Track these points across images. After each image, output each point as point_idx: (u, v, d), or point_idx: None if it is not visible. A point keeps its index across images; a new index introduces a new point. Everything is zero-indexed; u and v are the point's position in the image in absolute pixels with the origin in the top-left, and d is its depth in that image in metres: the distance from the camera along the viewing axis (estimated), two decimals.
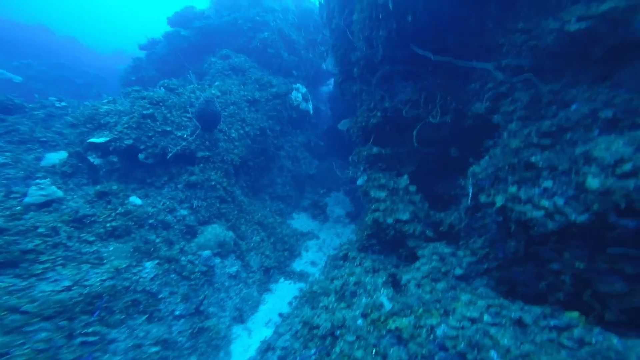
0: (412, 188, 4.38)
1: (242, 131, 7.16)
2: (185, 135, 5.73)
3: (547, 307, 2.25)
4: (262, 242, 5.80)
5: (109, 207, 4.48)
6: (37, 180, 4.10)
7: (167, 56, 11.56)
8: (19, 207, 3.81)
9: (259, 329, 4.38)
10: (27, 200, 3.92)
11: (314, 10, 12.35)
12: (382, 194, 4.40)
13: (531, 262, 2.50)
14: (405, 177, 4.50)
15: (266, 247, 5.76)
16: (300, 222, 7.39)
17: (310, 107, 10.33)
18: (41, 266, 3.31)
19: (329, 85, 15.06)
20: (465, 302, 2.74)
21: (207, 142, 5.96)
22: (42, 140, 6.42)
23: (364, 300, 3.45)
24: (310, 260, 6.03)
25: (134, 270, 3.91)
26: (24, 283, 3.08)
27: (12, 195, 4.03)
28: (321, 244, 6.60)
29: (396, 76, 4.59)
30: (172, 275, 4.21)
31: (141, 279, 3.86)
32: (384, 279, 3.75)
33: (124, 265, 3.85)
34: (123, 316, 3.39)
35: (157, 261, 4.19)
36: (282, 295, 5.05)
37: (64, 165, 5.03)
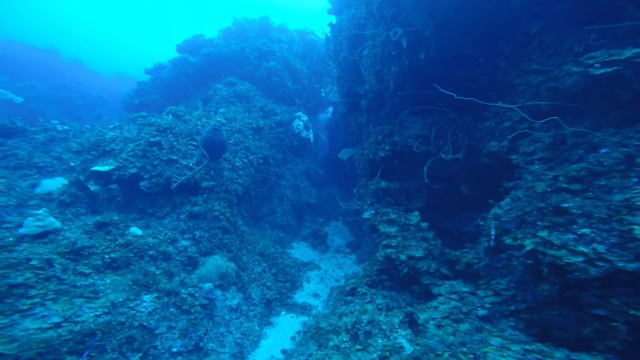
0: (424, 225, 4.32)
1: (245, 160, 7.12)
2: (191, 164, 5.61)
3: (599, 356, 2.10)
4: (263, 273, 5.54)
5: (108, 237, 4.27)
6: (35, 212, 3.90)
7: (172, 81, 11.75)
8: (11, 239, 3.59)
9: None
10: (21, 230, 3.71)
11: (318, 42, 12.90)
12: (393, 230, 4.30)
13: (568, 306, 2.37)
14: (416, 213, 4.45)
15: (267, 279, 5.49)
16: (301, 251, 7.16)
17: (311, 135, 10.46)
18: (29, 301, 3.03)
19: (327, 113, 15.42)
20: (497, 346, 2.55)
21: (212, 172, 5.86)
22: (40, 165, 6.29)
23: (380, 341, 3.22)
24: (312, 292, 5.75)
25: (131, 304, 3.62)
26: (5, 320, 2.80)
27: (4, 225, 3.82)
28: (323, 275, 6.35)
29: (406, 110, 4.66)
30: (172, 309, 3.93)
31: (138, 314, 3.57)
32: (400, 319, 3.53)
33: (120, 299, 3.57)
34: (115, 355, 3.08)
35: (156, 294, 3.92)
36: (284, 329, 4.73)
37: (63, 194, 4.84)
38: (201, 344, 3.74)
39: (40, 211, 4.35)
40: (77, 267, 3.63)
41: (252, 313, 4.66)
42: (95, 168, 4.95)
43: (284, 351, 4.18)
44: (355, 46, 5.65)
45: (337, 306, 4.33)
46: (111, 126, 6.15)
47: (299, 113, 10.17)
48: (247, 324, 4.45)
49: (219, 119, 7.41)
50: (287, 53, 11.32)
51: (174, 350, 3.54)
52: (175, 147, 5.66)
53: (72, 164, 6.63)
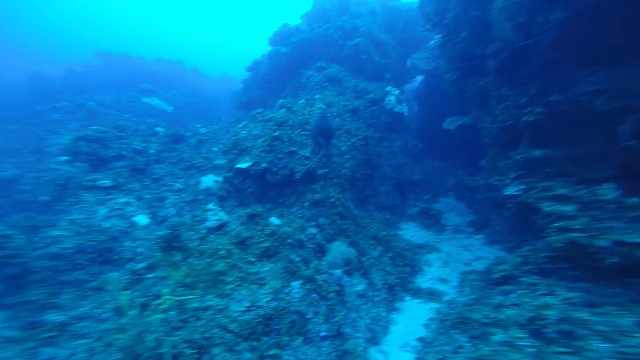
0: (633, 200, 3.25)
1: (349, 143, 6.97)
2: (307, 154, 5.80)
3: None
4: (380, 257, 5.51)
5: (257, 228, 4.85)
6: (209, 206, 4.68)
7: (269, 75, 12.03)
8: (203, 231, 4.43)
9: (395, 352, 4.05)
10: (207, 224, 4.54)
11: (402, 8, 11.23)
12: (568, 208, 3.40)
13: None
14: (610, 185, 3.38)
15: (386, 263, 5.44)
16: (411, 232, 6.81)
17: (405, 108, 9.49)
18: (228, 287, 3.73)
19: (414, 82, 13.73)
20: None
21: (324, 159, 5.94)
22: (198, 165, 7.62)
23: (601, 345, 2.53)
24: (437, 276, 5.37)
25: (286, 291, 4.02)
26: (223, 303, 3.50)
27: (195, 219, 4.72)
28: (446, 257, 5.85)
29: (570, 63, 3.50)
30: (314, 295, 4.22)
31: (292, 299, 3.98)
32: (634, 320, 2.67)
33: (278, 286, 4.00)
34: (287, 338, 3.54)
35: (301, 281, 4.30)
36: (412, 316, 4.63)
37: (220, 190, 5.69)
38: (341, 330, 3.98)
39: (210, 205, 5.25)
40: (246, 256, 4.25)
41: (377, 299, 4.72)
42: (238, 165, 5.58)
43: (421, 339, 4.07)
44: (473, 1, 4.53)
45: (485, 295, 3.86)
46: (240, 125, 6.78)
47: (390, 87, 9.30)
48: (375, 310, 4.53)
49: (319, 105, 7.36)
50: (370, 26, 10.28)
51: (322, 334, 3.80)
52: (293, 139, 5.83)
53: (216, 162, 7.77)
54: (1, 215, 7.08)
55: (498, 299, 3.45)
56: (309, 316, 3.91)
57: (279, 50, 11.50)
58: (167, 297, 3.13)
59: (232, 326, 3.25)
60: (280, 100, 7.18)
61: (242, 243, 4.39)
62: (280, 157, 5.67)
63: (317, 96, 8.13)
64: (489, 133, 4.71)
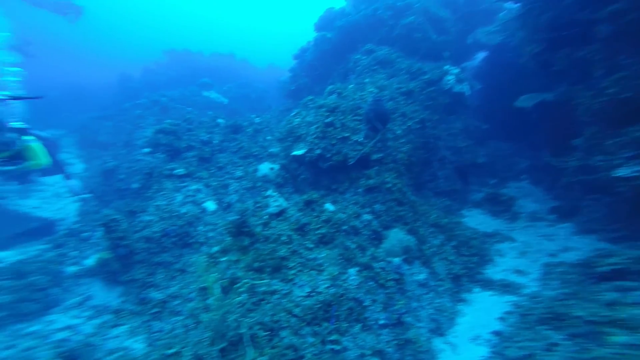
0: None
1: (404, 126, 6.53)
2: (360, 140, 5.60)
3: None
4: (443, 246, 5.15)
5: (313, 214, 4.91)
6: (268, 192, 4.87)
7: (315, 61, 11.75)
8: (266, 217, 4.65)
9: (464, 344, 3.80)
10: (268, 210, 4.75)
11: None
12: None
13: None
14: None
15: (449, 252, 5.07)
16: (477, 220, 6.19)
17: (466, 88, 8.43)
18: (291, 272, 3.89)
19: (475, 59, 12.10)
20: None
21: (379, 144, 5.66)
22: (255, 154, 7.99)
23: None
24: (512, 267, 4.84)
25: (343, 277, 4.05)
26: (287, 287, 3.68)
27: (257, 205, 4.98)
28: (523, 247, 5.21)
29: None
30: (371, 283, 4.17)
31: (350, 286, 3.98)
32: None
33: (336, 273, 4.05)
34: (346, 324, 3.57)
35: (357, 268, 4.27)
36: (483, 308, 4.27)
37: (277, 177, 5.87)
38: (402, 319, 3.87)
39: (269, 192, 5.46)
40: (305, 242, 4.35)
41: (440, 289, 4.45)
42: (294, 153, 5.66)
43: (497, 333, 3.73)
44: None
45: (585, 290, 3.34)
46: (293, 113, 6.82)
47: (448, 66, 8.32)
48: (439, 300, 4.30)
49: (370, 89, 6.99)
50: (426, 2, 9.13)
51: (381, 322, 3.75)
52: (345, 125, 5.68)
53: (270, 150, 8.04)
54: (108, 201, 8.54)
55: (611, 295, 2.92)
56: (366, 303, 3.89)
57: (324, 36, 11.12)
58: (246, 280, 3.38)
59: (296, 311, 3.39)
60: (330, 87, 7.01)
61: (301, 229, 4.50)
62: (334, 143, 5.59)
63: (366, 80, 7.73)
64: (587, 109, 3.86)
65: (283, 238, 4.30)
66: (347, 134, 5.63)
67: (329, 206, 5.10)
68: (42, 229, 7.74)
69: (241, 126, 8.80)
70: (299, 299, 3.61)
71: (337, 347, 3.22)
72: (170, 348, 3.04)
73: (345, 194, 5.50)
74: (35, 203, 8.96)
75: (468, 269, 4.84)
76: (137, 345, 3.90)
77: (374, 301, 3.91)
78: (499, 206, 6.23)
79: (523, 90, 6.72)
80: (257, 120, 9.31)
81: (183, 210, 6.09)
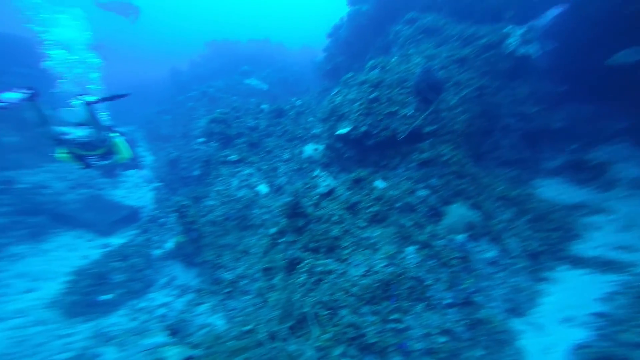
0: None
1: (459, 96, 5.80)
2: (409, 113, 5.13)
3: None
4: (514, 221, 4.55)
5: (363, 192, 4.72)
6: (319, 172, 4.80)
7: (350, 37, 11.00)
8: (316, 197, 4.63)
9: (552, 326, 3.37)
10: (318, 190, 4.71)
11: None
12: None
13: None
14: None
15: (522, 227, 4.47)
16: (553, 190, 5.30)
17: (534, 49, 7.00)
18: (345, 252, 3.85)
19: (546, 17, 9.79)
20: None
21: (431, 115, 5.11)
22: (299, 136, 7.98)
23: None
24: (612, 243, 4.13)
25: (401, 256, 3.88)
26: (342, 267, 3.66)
27: (307, 186, 4.97)
28: (625, 220, 4.38)
29: None
30: (431, 262, 3.93)
31: (409, 265, 3.79)
32: None
33: (392, 251, 3.89)
34: (408, 303, 3.44)
35: (416, 246, 4.03)
36: (574, 287, 3.71)
37: (323, 157, 5.76)
38: (471, 298, 3.56)
39: (315, 172, 5.39)
40: (357, 221, 4.23)
41: (515, 267, 3.98)
42: (338, 132, 5.46)
43: (600, 315, 3.19)
44: None
45: None
46: (334, 92, 6.56)
47: (510, 28, 6.94)
48: (514, 279, 3.85)
49: (417, 60, 6.31)
50: None
51: (446, 302, 3.54)
52: (392, 99, 5.30)
53: (313, 131, 7.93)
54: (175, 188, 9.55)
55: None
56: (428, 282, 3.69)
57: (359, 10, 10.18)
58: (308, 260, 3.44)
59: (354, 290, 3.36)
60: (371, 61, 6.53)
61: (352, 208, 4.38)
62: (380, 118, 5.24)
63: (411, 51, 7.00)
64: None
65: (335, 218, 4.24)
66: (394, 109, 5.24)
67: (379, 183, 4.84)
68: (130, 215, 9.08)
69: (284, 110, 8.82)
70: (355, 278, 3.57)
71: (400, 326, 3.14)
72: (246, 325, 3.29)
73: (396, 169, 5.16)
74: (123, 193, 10.51)
75: (549, 245, 4.22)
76: (219, 321, 4.34)
77: (437, 280, 3.68)
78: (586, 173, 5.19)
79: (613, 47, 5.30)
80: (298, 102, 9.20)
81: (240, 194, 6.46)
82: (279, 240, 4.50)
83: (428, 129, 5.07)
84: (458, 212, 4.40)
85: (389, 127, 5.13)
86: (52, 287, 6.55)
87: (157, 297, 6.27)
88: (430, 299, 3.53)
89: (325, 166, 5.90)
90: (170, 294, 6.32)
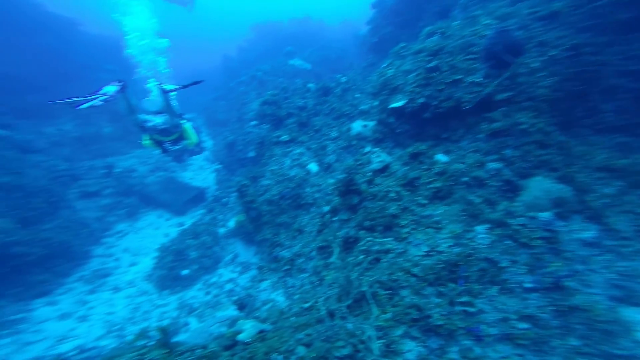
0: None
1: (544, 58, 4.80)
2: (477, 80, 4.47)
3: None
4: (622, 196, 3.69)
5: (423, 167, 4.34)
6: (371, 148, 4.56)
7: (399, 6, 10.03)
8: (369, 174, 4.44)
9: None
10: (371, 167, 4.50)
11: None
12: None
13: None
14: None
15: (635, 203, 3.60)
16: None
17: None
18: (403, 230, 3.63)
19: None
20: None
21: (505, 81, 4.35)
22: (346, 113, 7.69)
23: None
24: None
25: (469, 236, 3.51)
26: (401, 246, 3.48)
27: (358, 163, 4.79)
28: None
29: None
30: (507, 242, 3.46)
31: (479, 246, 3.41)
32: None
33: (458, 230, 3.54)
34: (479, 286, 3.11)
35: (487, 225, 3.59)
36: None
37: (375, 133, 5.44)
38: (561, 283, 3.05)
39: (367, 148, 5.13)
40: (416, 198, 3.92)
41: (625, 249, 3.26)
42: (392, 105, 5.06)
43: None
44: None
45: None
46: (384, 65, 6.10)
47: None
48: (623, 263, 3.17)
49: (486, 22, 5.37)
50: None
51: (527, 285, 3.10)
52: (455, 66, 4.68)
53: (361, 107, 7.53)
54: (233, 170, 10.29)
55: None
56: (503, 264, 3.28)
57: None
58: (363, 239, 3.36)
59: (415, 270, 3.17)
60: (428, 28, 5.81)
61: (410, 184, 4.07)
62: (441, 88, 4.71)
63: (478, 12, 5.96)
64: None
65: (391, 195, 4.00)
66: (459, 76, 4.65)
67: (441, 157, 4.39)
68: (198, 195, 10.16)
69: (329, 88, 8.54)
70: (416, 258, 3.36)
71: (471, 309, 2.87)
72: (305, 302, 3.40)
73: (461, 142, 4.61)
74: (190, 175, 11.78)
75: None
76: (279, 297, 4.55)
77: (514, 262, 3.26)
78: None
79: None
80: (344, 79, 8.79)
81: (292, 173, 6.60)
82: (333, 219, 4.48)
83: (501, 96, 4.36)
84: (541, 186, 3.73)
85: (452, 96, 4.57)
86: (147, 262, 7.68)
87: (225, 273, 6.92)
88: (505, 282, 3.15)
89: (377, 142, 5.58)
90: (234, 270, 6.94)
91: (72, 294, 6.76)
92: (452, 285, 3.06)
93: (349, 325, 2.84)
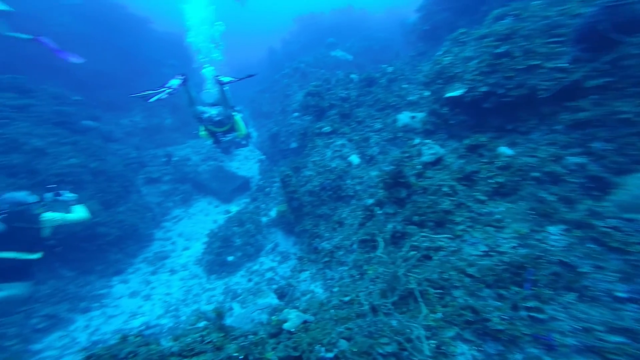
0: None
1: None
2: (561, 65, 3.85)
3: None
4: None
5: (483, 160, 3.89)
6: (421, 140, 4.24)
7: None
8: (419, 166, 4.14)
9: None
10: (422, 159, 4.19)
11: None
12: None
13: None
14: None
15: None
16: None
17: None
18: (458, 228, 3.31)
19: None
20: None
21: (604, 66, 3.66)
22: (392, 104, 7.30)
23: None
24: None
25: (538, 237, 3.06)
26: (454, 244, 3.19)
27: (406, 155, 4.50)
28: None
29: None
30: (591, 245, 2.94)
31: (552, 248, 2.94)
32: None
33: (525, 230, 3.11)
34: (550, 291, 2.69)
35: (563, 226, 3.08)
36: None
37: (426, 124, 5.06)
38: None
39: (416, 140, 4.78)
40: (474, 194, 3.54)
41: None
42: (448, 95, 4.62)
43: None
44: None
45: None
46: (440, 53, 5.63)
47: None
48: None
49: None
50: None
51: (619, 295, 2.59)
52: (532, 51, 4.08)
53: (409, 98, 7.08)
54: (275, 160, 10.60)
55: None
56: (584, 270, 2.80)
57: None
58: (423, 234, 3.15)
59: (471, 270, 2.86)
60: (497, 11, 5.20)
61: (468, 179, 3.68)
62: (510, 75, 4.19)
63: None
64: None
65: (445, 189, 3.67)
66: (535, 62, 4.07)
67: (506, 150, 3.89)
68: (243, 184, 10.70)
69: (374, 78, 8.18)
70: (472, 257, 3.04)
71: (540, 316, 2.50)
72: (345, 295, 3.32)
73: (531, 133, 4.04)
74: (237, 165, 12.47)
75: None
76: (318, 289, 4.47)
77: (600, 268, 2.75)
78: None
79: None
80: (390, 69, 8.33)
81: (333, 164, 6.51)
82: (377, 212, 4.29)
83: (594, 82, 3.67)
84: None
85: (524, 84, 4.01)
86: (198, 246, 8.12)
87: (265, 262, 7.09)
88: (586, 289, 2.68)
89: (428, 134, 5.18)
90: (274, 259, 7.07)
91: (139, 274, 7.45)
92: (516, 288, 2.71)
93: (394, 322, 2.69)
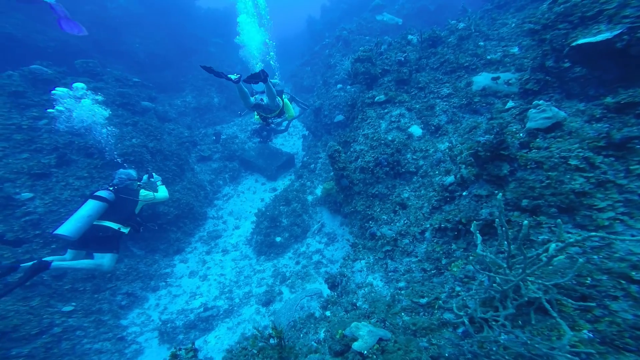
0: None
1: None
2: None
3: None
4: None
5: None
6: (536, 102, 3.08)
7: None
8: (521, 134, 3.05)
9: None
10: (529, 125, 3.07)
11: None
12: None
13: None
14: None
15: None
16: None
17: None
18: (603, 215, 2.27)
19: None
20: None
21: None
22: (465, 65, 5.87)
23: None
24: None
25: None
26: (596, 238, 2.18)
27: (491, 122, 3.38)
28: None
29: None
30: None
31: None
32: None
33: None
34: None
35: None
36: None
37: (527, 83, 3.78)
38: None
39: (510, 103, 3.58)
40: (630, 168, 2.39)
41: None
42: (580, 42, 3.24)
43: None
44: None
45: None
46: None
47: None
48: None
49: None
50: None
51: None
52: None
53: (489, 57, 5.60)
54: (319, 135, 9.87)
55: None
56: None
57: None
58: (521, 223, 2.22)
59: (634, 274, 1.86)
60: None
61: (617, 147, 2.51)
62: None
63: None
64: None
65: (573, 162, 2.56)
66: None
67: None
68: (288, 161, 10.28)
69: (439, 37, 6.67)
70: (634, 257, 2.02)
71: None
72: (421, 297, 2.60)
73: None
74: (280, 141, 12.06)
75: None
76: (377, 282, 3.81)
77: None
78: None
79: None
80: (462, 25, 6.68)
81: (389, 137, 5.55)
82: (461, 193, 3.35)
83: None
84: None
85: None
86: (247, 226, 7.94)
87: (312, 243, 6.64)
88: None
89: (530, 94, 3.89)
90: (321, 241, 6.58)
91: (195, 254, 7.49)
92: None
93: (519, 348, 1.89)
